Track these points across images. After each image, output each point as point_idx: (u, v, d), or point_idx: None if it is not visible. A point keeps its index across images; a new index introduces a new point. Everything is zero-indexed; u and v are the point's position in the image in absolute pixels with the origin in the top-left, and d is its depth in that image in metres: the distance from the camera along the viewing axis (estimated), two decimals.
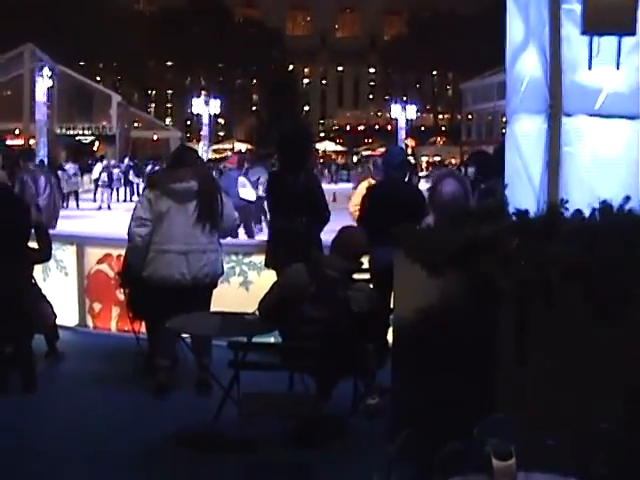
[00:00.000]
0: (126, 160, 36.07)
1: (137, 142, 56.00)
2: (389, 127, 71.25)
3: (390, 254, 4.83)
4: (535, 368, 3.53)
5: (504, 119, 4.64)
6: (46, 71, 33.38)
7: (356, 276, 5.95)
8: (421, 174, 34.76)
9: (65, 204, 25.57)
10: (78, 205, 28.24)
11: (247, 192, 16.88)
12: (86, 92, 49.93)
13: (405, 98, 60.28)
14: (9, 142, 39.03)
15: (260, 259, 7.64)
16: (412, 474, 3.51)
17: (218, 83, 74.74)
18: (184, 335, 6.12)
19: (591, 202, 3.84)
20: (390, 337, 5.21)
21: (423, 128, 77.31)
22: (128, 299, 6.98)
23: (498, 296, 3.55)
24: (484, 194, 6.13)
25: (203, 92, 58.47)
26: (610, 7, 3.98)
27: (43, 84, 33.19)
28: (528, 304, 3.52)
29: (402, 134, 49.75)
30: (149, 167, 31.19)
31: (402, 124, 50.18)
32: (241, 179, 17.38)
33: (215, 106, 48.62)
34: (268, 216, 19.72)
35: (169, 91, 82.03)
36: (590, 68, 4.03)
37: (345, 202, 25.66)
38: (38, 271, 7.73)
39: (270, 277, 6.84)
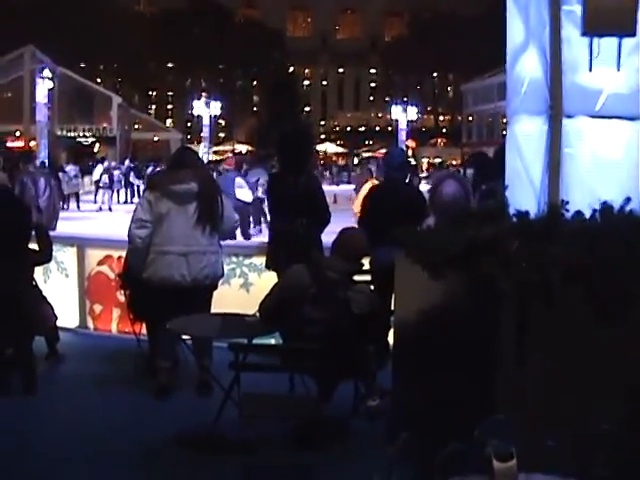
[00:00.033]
0: (127, 162, 36.08)
1: (138, 144, 56.03)
2: (390, 128, 71.23)
3: (391, 255, 4.83)
4: (535, 369, 3.53)
5: (505, 120, 4.65)
6: (47, 73, 33.45)
7: (357, 277, 5.94)
8: (422, 175, 34.80)
9: (66, 206, 25.61)
10: (79, 207, 28.24)
11: (244, 193, 16.91)
12: (87, 94, 49.96)
13: (406, 99, 60.31)
14: (10, 144, 39.12)
15: (261, 261, 7.64)
16: (413, 475, 3.51)
17: (219, 84, 74.83)
18: (185, 337, 6.12)
19: (592, 203, 3.84)
20: (391, 338, 5.21)
21: (424, 129, 77.36)
22: (129, 301, 6.98)
23: (499, 297, 3.55)
24: (485, 195, 6.13)
25: (204, 93, 58.56)
26: (610, 8, 3.98)
27: (44, 86, 33.25)
28: (529, 305, 3.52)
29: (403, 135, 49.71)
30: (150, 169, 31.20)
31: (403, 125, 50.14)
32: (238, 180, 17.41)
33: (216, 107, 48.65)
34: (268, 217, 19.85)
35: (170, 93, 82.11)
36: (590, 69, 4.03)
37: (346, 203, 25.76)
38: (39, 273, 7.74)
39: (271, 279, 6.84)
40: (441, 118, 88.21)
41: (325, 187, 8.90)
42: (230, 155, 44.65)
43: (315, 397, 5.32)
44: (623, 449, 3.35)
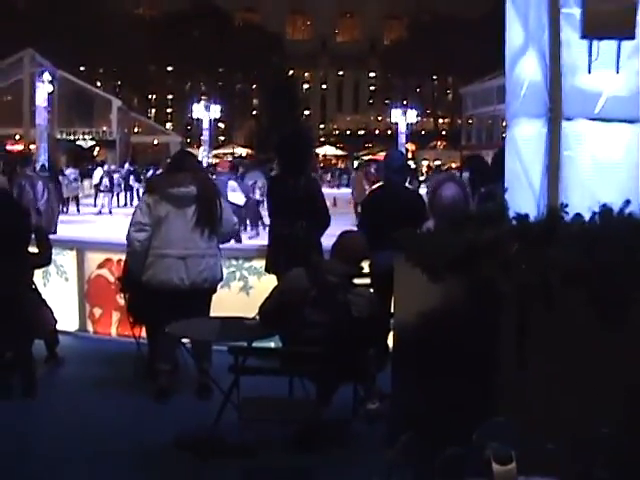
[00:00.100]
0: (126, 165, 36.11)
1: (137, 147, 56.09)
2: (389, 131, 71.34)
3: (390, 258, 4.83)
4: (535, 372, 3.53)
5: (504, 123, 4.65)
6: (46, 76, 33.45)
7: (357, 280, 5.94)
8: (421, 179, 34.79)
9: (65, 209, 25.59)
10: (79, 210, 28.26)
11: (236, 196, 16.91)
12: (86, 97, 50.01)
13: (405, 102, 60.39)
14: (9, 147, 39.14)
15: (260, 264, 7.64)
16: (412, 478, 3.51)
17: (218, 88, 74.85)
18: (184, 340, 6.12)
19: (591, 206, 3.84)
20: (390, 341, 5.20)
21: (423, 132, 77.41)
22: (128, 304, 6.98)
23: (498, 300, 3.55)
24: (484, 198, 6.13)
25: (203, 97, 58.61)
26: (609, 11, 3.98)
27: (43, 89, 33.25)
28: (528, 308, 3.52)
29: (402, 138, 49.75)
30: (150, 172, 31.23)
31: (402, 128, 50.18)
32: (231, 183, 17.41)
33: (215, 111, 48.74)
34: (264, 220, 19.91)
35: (169, 96, 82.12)
36: (590, 72, 4.03)
37: (345, 206, 25.74)
38: (38, 276, 7.74)
39: (270, 282, 6.84)
40: (441, 121, 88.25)
41: (325, 190, 8.91)
42: (231, 158, 44.73)
43: (315, 400, 5.31)
44: (623, 452, 3.35)
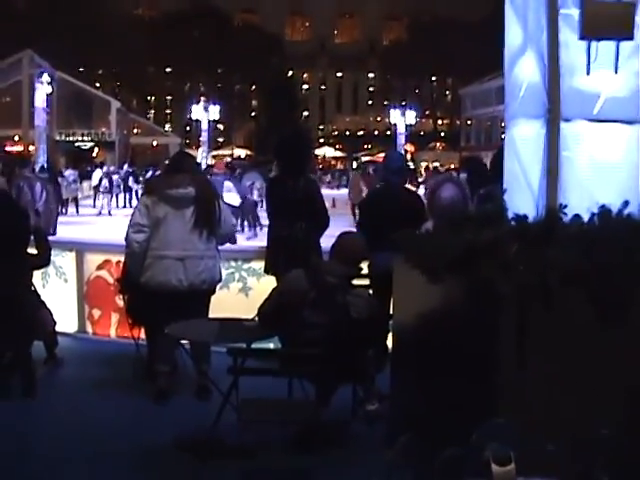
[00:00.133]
0: (125, 166, 36.10)
1: (136, 148, 56.09)
2: (388, 132, 71.24)
3: (390, 259, 4.83)
4: (535, 373, 3.53)
5: (503, 124, 4.65)
6: (45, 77, 33.47)
7: (356, 281, 5.95)
8: (419, 180, 34.76)
9: (64, 210, 25.58)
10: (78, 211, 28.25)
11: (231, 197, 16.95)
12: (85, 98, 50.01)
13: (404, 103, 60.29)
14: (8, 148, 39.11)
15: (259, 265, 7.63)
16: (412, 479, 3.51)
17: (217, 89, 74.82)
18: (183, 341, 6.11)
19: (590, 207, 3.84)
20: (389, 342, 5.20)
21: (422, 133, 77.35)
22: (127, 305, 6.97)
23: (498, 301, 3.55)
24: (483, 199, 6.13)
25: (202, 98, 58.53)
26: (608, 12, 3.99)
27: (42, 90, 33.27)
28: (528, 309, 3.52)
29: (401, 139, 49.71)
30: (149, 173, 31.24)
31: (401, 129, 50.14)
32: (227, 184, 17.44)
33: (214, 112, 48.68)
34: (260, 220, 19.95)
35: (168, 97, 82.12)
36: (588, 73, 4.04)
37: (344, 208, 25.72)
38: (37, 277, 7.74)
39: (269, 283, 6.84)
40: (440, 122, 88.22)
41: (324, 191, 8.91)
42: (230, 159, 44.71)
43: (314, 401, 5.31)
44: (623, 454, 3.35)
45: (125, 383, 6.65)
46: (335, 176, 52.74)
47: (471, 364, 3.75)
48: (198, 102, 51.44)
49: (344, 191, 34.27)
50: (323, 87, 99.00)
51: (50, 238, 7.52)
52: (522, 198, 4.16)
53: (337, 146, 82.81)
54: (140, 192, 27.43)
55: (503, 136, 4.62)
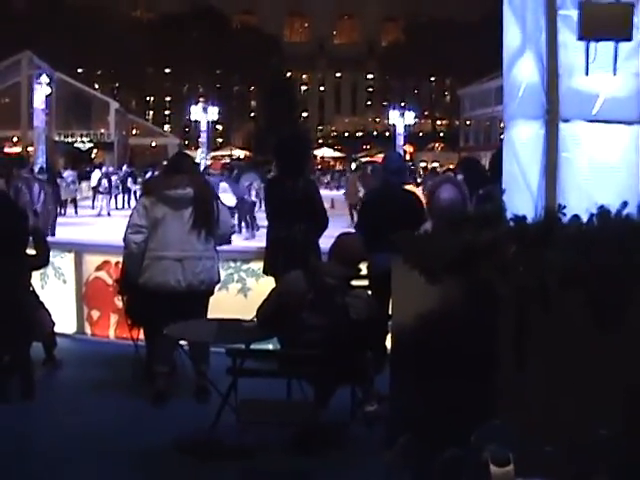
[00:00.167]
0: (124, 167, 36.09)
1: (135, 149, 56.11)
2: (387, 133, 71.38)
3: (389, 260, 4.83)
4: (533, 374, 3.53)
5: (502, 125, 4.65)
6: (44, 78, 33.47)
7: (355, 282, 5.94)
8: (418, 180, 34.72)
9: (63, 211, 25.58)
10: (77, 212, 28.25)
11: (227, 197, 16.97)
12: (84, 99, 50.01)
13: (403, 104, 60.41)
14: (7, 149, 39.11)
15: (258, 266, 7.63)
16: None
17: (216, 90, 74.88)
18: (182, 342, 6.11)
19: (589, 208, 3.83)
20: (388, 343, 5.20)
21: (421, 134, 77.50)
22: (126, 306, 6.97)
23: (496, 302, 3.55)
24: (482, 200, 6.13)
25: (201, 99, 58.59)
26: (607, 13, 3.98)
27: (41, 91, 33.27)
28: (526, 310, 3.51)
29: (400, 140, 49.74)
30: (148, 174, 31.24)
31: (400, 130, 50.18)
32: (222, 184, 17.45)
33: (213, 113, 48.68)
34: (258, 222, 19.99)
35: (167, 98, 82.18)
36: (587, 74, 4.03)
37: (343, 208, 25.70)
38: (36, 278, 7.73)
39: (268, 284, 6.83)
40: (439, 123, 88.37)
41: (322, 192, 8.91)
42: (227, 160, 44.68)
43: (312, 403, 5.31)
44: (622, 455, 3.35)
45: (124, 384, 6.65)
46: (334, 177, 52.79)
47: (470, 365, 3.75)
48: (197, 103, 51.47)
49: (343, 192, 34.27)
50: (322, 88, 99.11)
51: (49, 239, 7.52)
52: (521, 199, 4.16)
53: (336, 147, 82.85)
54: (139, 193, 27.46)
55: (502, 137, 4.62)
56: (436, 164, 58.23)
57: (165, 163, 8.57)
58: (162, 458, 5.23)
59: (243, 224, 20.25)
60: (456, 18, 73.75)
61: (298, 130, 57.99)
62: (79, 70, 65.08)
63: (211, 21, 74.96)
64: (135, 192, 30.63)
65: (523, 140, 4.25)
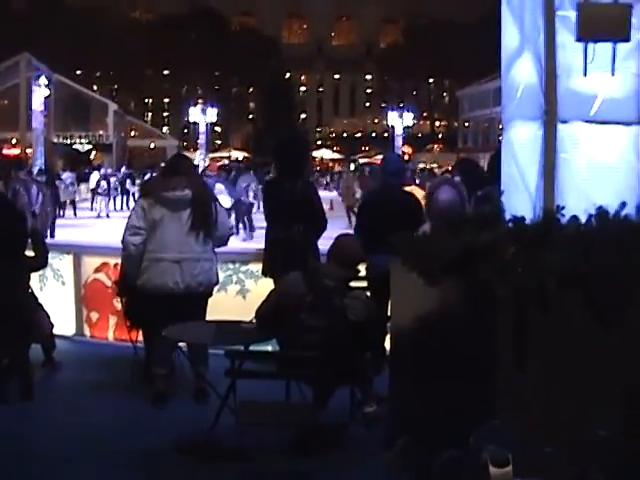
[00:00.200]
0: (123, 169, 36.08)
1: (134, 151, 56.09)
2: (386, 134, 71.28)
3: (387, 262, 4.83)
4: (533, 375, 3.53)
5: (501, 126, 4.65)
6: (43, 80, 33.44)
7: (353, 284, 5.94)
8: (417, 181, 34.67)
9: (62, 213, 25.56)
10: (75, 214, 28.23)
11: (223, 199, 17.00)
12: (83, 101, 50.01)
13: (402, 105, 60.43)
14: (5, 151, 39.12)
15: (257, 267, 7.63)
16: None
17: (215, 91, 74.88)
18: (181, 344, 6.11)
19: (587, 208, 3.83)
20: (387, 344, 5.20)
21: (420, 135, 77.50)
22: (125, 308, 6.97)
23: (495, 303, 3.55)
24: (480, 201, 6.13)
25: (200, 100, 58.59)
26: (605, 14, 3.99)
27: (40, 93, 33.24)
28: (525, 311, 3.52)
29: (399, 141, 49.73)
30: (147, 175, 31.23)
31: (399, 131, 50.17)
32: (218, 186, 17.48)
33: (212, 114, 48.69)
34: (254, 223, 20.02)
35: (166, 99, 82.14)
36: (585, 74, 4.04)
37: (342, 210, 25.69)
38: (35, 280, 7.73)
39: (267, 285, 6.83)
40: (437, 124, 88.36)
41: (321, 193, 8.91)
42: (226, 162, 44.64)
43: (311, 404, 5.31)
44: (620, 455, 3.35)
45: (123, 386, 6.64)
46: (333, 178, 52.77)
47: (469, 366, 3.75)
48: (196, 104, 51.49)
49: (339, 193, 34.25)
50: (320, 89, 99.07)
51: (48, 241, 7.53)
52: (519, 200, 4.16)
53: (335, 148, 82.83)
54: (137, 194, 27.44)
55: (500, 138, 4.63)
56: (434, 165, 58.29)
57: (163, 165, 8.56)
58: (161, 460, 5.22)
59: (240, 225, 20.27)
60: (455, 19, 73.78)
61: (297, 131, 58.11)
62: (78, 72, 65.08)
63: (210, 22, 74.96)
64: (134, 194, 30.62)
65: (521, 141, 4.25)
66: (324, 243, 6.56)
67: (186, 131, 75.18)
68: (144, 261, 6.29)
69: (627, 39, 4.02)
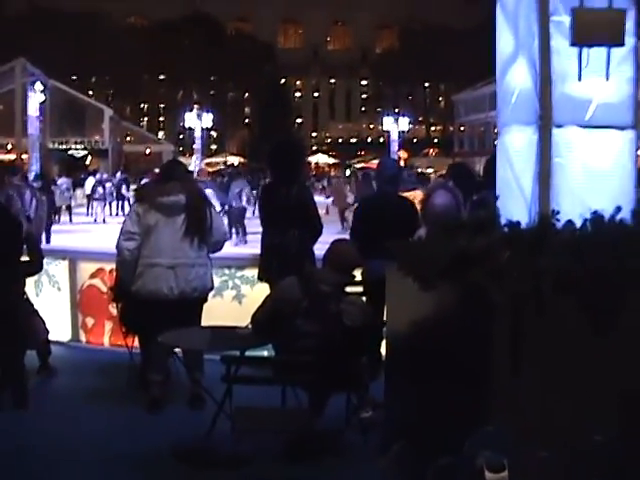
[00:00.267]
0: (118, 174, 36.05)
1: (130, 156, 56.02)
2: (381, 139, 71.40)
3: (383, 267, 4.82)
4: (528, 379, 3.53)
5: (496, 130, 4.65)
6: (38, 86, 33.43)
7: (349, 289, 5.94)
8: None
9: (57, 218, 25.52)
10: (71, 219, 28.19)
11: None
12: (78, 106, 49.92)
13: (397, 110, 60.38)
14: (1, 157, 39.09)
15: (253, 272, 7.62)
16: None
17: (210, 97, 74.87)
18: (176, 349, 6.10)
19: (582, 213, 3.84)
20: (383, 350, 5.19)
21: (416, 140, 77.48)
22: (121, 314, 6.95)
23: (490, 308, 3.55)
24: (476, 206, 6.13)
25: (195, 106, 58.54)
26: (599, 19, 4.00)
27: (35, 99, 33.23)
28: (520, 315, 3.52)
29: (395, 146, 49.74)
30: (144, 181, 31.16)
31: (394, 136, 50.16)
32: (207, 191, 17.48)
33: (207, 120, 48.63)
34: (246, 229, 20.07)
35: (161, 105, 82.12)
36: (580, 79, 4.04)
37: (337, 215, 25.62)
38: (30, 286, 7.71)
39: (263, 290, 6.82)
40: (433, 128, 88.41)
41: (317, 198, 8.92)
42: (224, 167, 44.61)
43: (307, 410, 5.30)
44: (616, 460, 3.35)
45: (119, 392, 6.64)
46: (331, 183, 52.75)
47: (465, 371, 3.75)
48: (191, 110, 51.40)
49: (331, 199, 34.25)
50: (316, 94, 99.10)
51: (43, 246, 7.51)
52: (515, 204, 4.16)
53: (330, 153, 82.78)
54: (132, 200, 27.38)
55: (496, 142, 4.63)
56: (430, 170, 58.31)
57: (157, 170, 8.56)
58: (157, 466, 5.21)
59: (233, 230, 20.29)
60: (450, 24, 73.88)
61: (292, 136, 58.06)
62: (73, 77, 65.03)
63: (205, 28, 75.01)
64: (129, 199, 30.58)
65: (517, 146, 4.25)
66: (319, 248, 6.55)
67: (182, 136, 75.09)
68: (139, 266, 6.28)
69: (621, 44, 4.03)
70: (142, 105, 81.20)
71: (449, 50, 68.67)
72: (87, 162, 52.61)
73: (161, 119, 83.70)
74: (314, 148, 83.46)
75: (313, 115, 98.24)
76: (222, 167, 47.69)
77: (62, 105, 47.15)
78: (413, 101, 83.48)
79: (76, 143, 50.17)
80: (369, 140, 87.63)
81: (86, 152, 51.87)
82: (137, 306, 6.35)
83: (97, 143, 50.24)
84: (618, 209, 3.82)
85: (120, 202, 32.11)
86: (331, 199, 28.32)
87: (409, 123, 55.59)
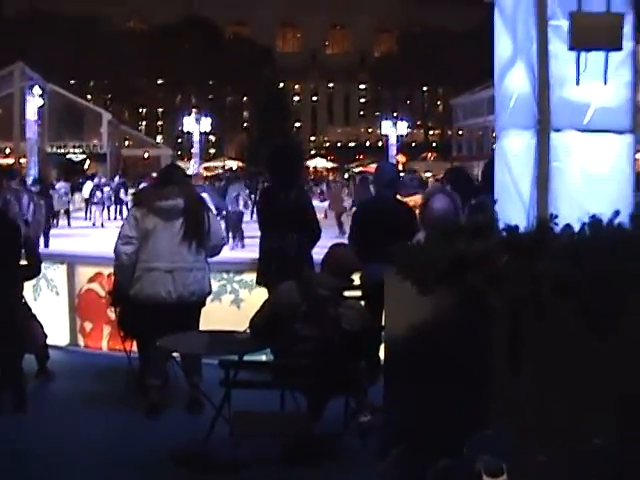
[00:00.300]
0: (117, 178, 36.06)
1: (128, 160, 56.06)
2: (380, 143, 71.44)
3: (381, 271, 4.82)
4: (527, 383, 3.53)
5: (494, 134, 4.66)
6: (36, 90, 33.49)
7: (347, 293, 5.94)
8: None
9: (56, 222, 25.52)
10: (69, 223, 28.19)
11: None
12: (77, 110, 49.99)
13: (395, 114, 60.53)
14: None
15: (251, 277, 7.62)
16: None
17: (209, 101, 74.94)
18: (174, 354, 6.10)
19: (580, 217, 3.84)
20: (382, 354, 5.19)
21: (414, 144, 77.58)
22: (119, 318, 6.95)
23: (489, 312, 3.55)
24: (474, 210, 6.14)
25: (194, 110, 58.59)
26: (597, 23, 4.01)
27: (34, 103, 33.28)
28: (519, 319, 3.52)
29: (393, 150, 49.81)
30: (142, 185, 31.14)
31: (393, 140, 50.24)
32: (202, 195, 17.51)
33: (206, 124, 48.67)
34: (243, 233, 20.11)
35: (160, 109, 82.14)
36: (578, 83, 4.05)
37: (334, 218, 25.65)
38: (29, 290, 7.71)
39: (261, 295, 6.82)
40: (431, 132, 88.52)
41: (315, 203, 8.92)
42: (222, 171, 44.62)
43: (306, 414, 5.30)
44: (615, 463, 3.35)
45: (117, 396, 6.62)
46: (330, 187, 52.75)
47: (463, 375, 3.75)
48: (190, 114, 51.45)
49: (327, 203, 34.27)
50: (314, 98, 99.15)
51: (42, 250, 7.51)
52: (513, 209, 4.17)
53: (329, 157, 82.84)
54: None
55: (494, 146, 4.63)
56: (429, 174, 58.33)
57: (155, 175, 8.57)
58: (155, 470, 5.20)
59: (230, 234, 20.30)
60: (449, 28, 74.00)
61: (291, 141, 58.13)
62: (72, 81, 65.09)
63: (204, 32, 75.10)
64: (127, 203, 30.57)
65: (515, 150, 4.25)
66: (318, 252, 6.55)
67: (180, 140, 75.17)
68: (136, 271, 6.28)
69: (619, 48, 4.04)
70: (140, 109, 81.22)
71: (448, 54, 68.81)
72: (85, 166, 52.65)
73: (159, 123, 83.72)
74: (312, 152, 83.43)
75: (312, 119, 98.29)
76: (220, 171, 47.74)
77: (60, 109, 47.23)
78: (411, 105, 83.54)
79: (74, 147, 50.23)
80: (367, 144, 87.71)
81: (84, 156, 51.91)
82: (135, 310, 6.34)
83: (95, 147, 50.30)
84: (616, 213, 3.82)
85: (118, 206, 32.07)
86: (327, 203, 28.30)
87: (407, 127, 55.69)
